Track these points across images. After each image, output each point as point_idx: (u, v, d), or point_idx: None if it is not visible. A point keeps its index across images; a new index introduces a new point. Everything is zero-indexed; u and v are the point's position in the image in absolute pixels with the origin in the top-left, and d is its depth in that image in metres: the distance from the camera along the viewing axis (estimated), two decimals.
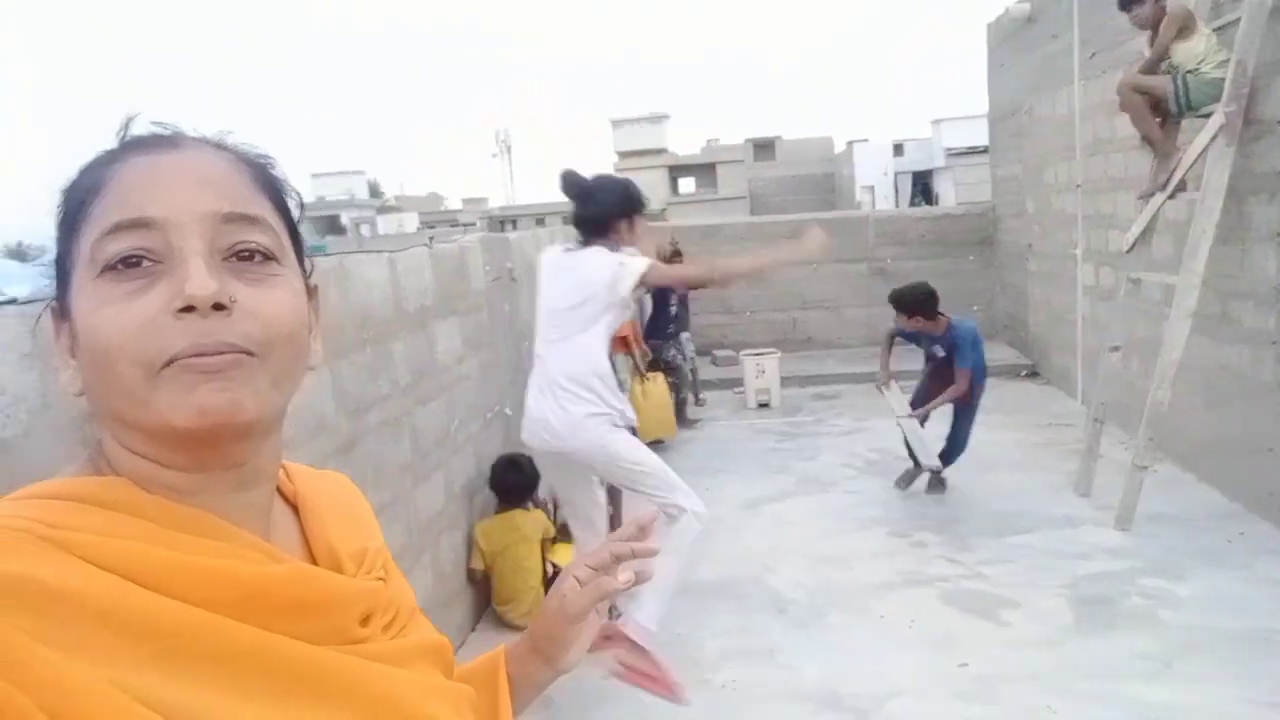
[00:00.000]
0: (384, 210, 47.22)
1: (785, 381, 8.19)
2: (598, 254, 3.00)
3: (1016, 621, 3.71)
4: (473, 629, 3.94)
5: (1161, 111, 4.61)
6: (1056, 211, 7.52)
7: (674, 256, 7.57)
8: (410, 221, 41.05)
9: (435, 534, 3.60)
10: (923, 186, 35.89)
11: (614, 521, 3.82)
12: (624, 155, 41.22)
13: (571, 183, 3.14)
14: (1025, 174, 8.43)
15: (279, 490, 0.78)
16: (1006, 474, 5.49)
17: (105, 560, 0.60)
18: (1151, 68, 4.57)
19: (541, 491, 4.17)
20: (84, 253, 0.64)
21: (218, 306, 0.63)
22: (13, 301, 1.52)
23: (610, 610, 3.74)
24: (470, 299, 4.38)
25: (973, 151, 28.11)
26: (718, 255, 9.75)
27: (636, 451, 3.08)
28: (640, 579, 0.91)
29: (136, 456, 0.66)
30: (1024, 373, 8.32)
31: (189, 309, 0.62)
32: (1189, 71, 4.42)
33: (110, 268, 0.63)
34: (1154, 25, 4.52)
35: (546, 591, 1.11)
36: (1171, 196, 4.70)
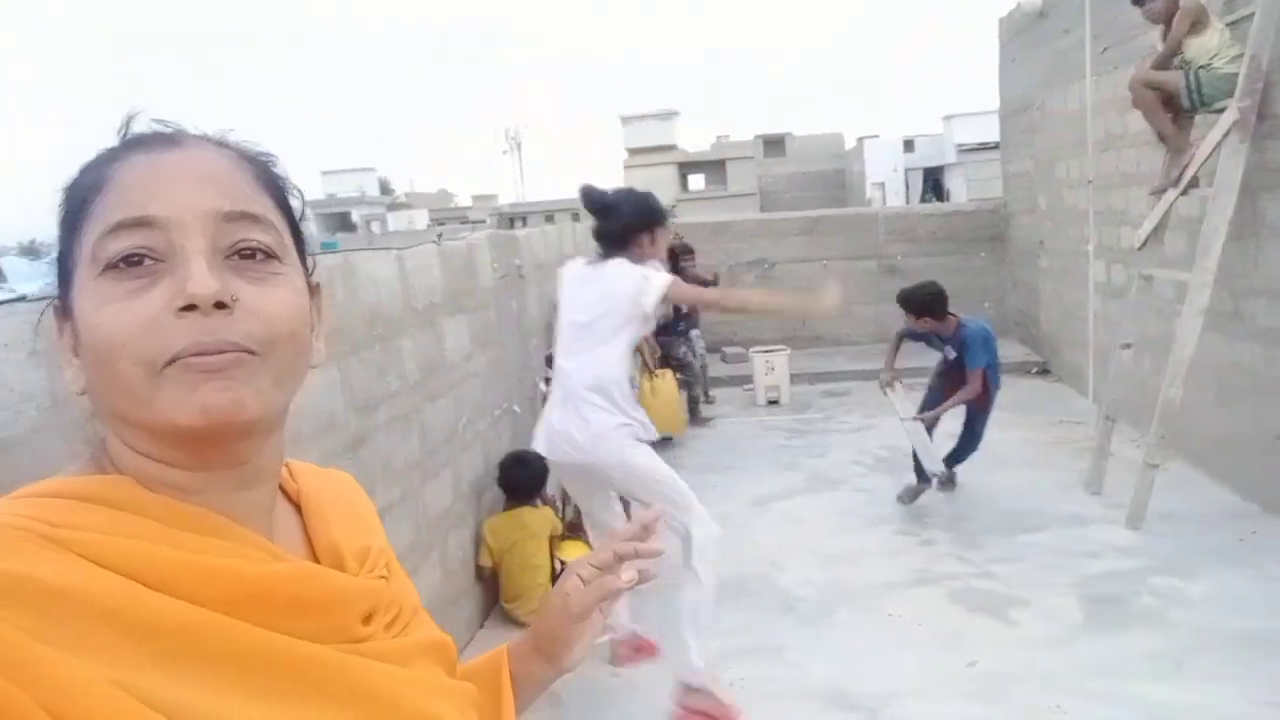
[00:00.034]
0: (394, 207, 47.30)
1: (795, 378, 8.18)
2: (621, 267, 2.98)
3: (1026, 620, 3.69)
4: (481, 626, 3.95)
5: (1174, 107, 4.57)
6: (1068, 208, 7.48)
7: (683, 255, 7.56)
8: (420, 219, 41.10)
9: (443, 531, 3.60)
10: (934, 183, 35.73)
11: None
12: (634, 152, 41.20)
13: (592, 197, 3.13)
14: (1037, 170, 8.39)
15: (282, 488, 0.79)
16: (1017, 472, 5.47)
17: (107, 559, 0.60)
18: (1164, 63, 4.53)
19: (549, 489, 4.18)
20: (86, 251, 0.64)
21: (219, 305, 0.63)
22: (22, 299, 1.53)
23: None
24: (478, 296, 4.38)
25: (984, 147, 27.97)
26: (730, 253, 9.77)
27: (655, 468, 3.03)
28: (643, 579, 0.91)
29: (139, 455, 0.66)
30: (1035, 370, 8.28)
31: (191, 308, 0.62)
32: (1202, 67, 4.38)
33: (112, 266, 0.63)
34: (1166, 19, 4.48)
35: None
36: (1184, 193, 4.67)
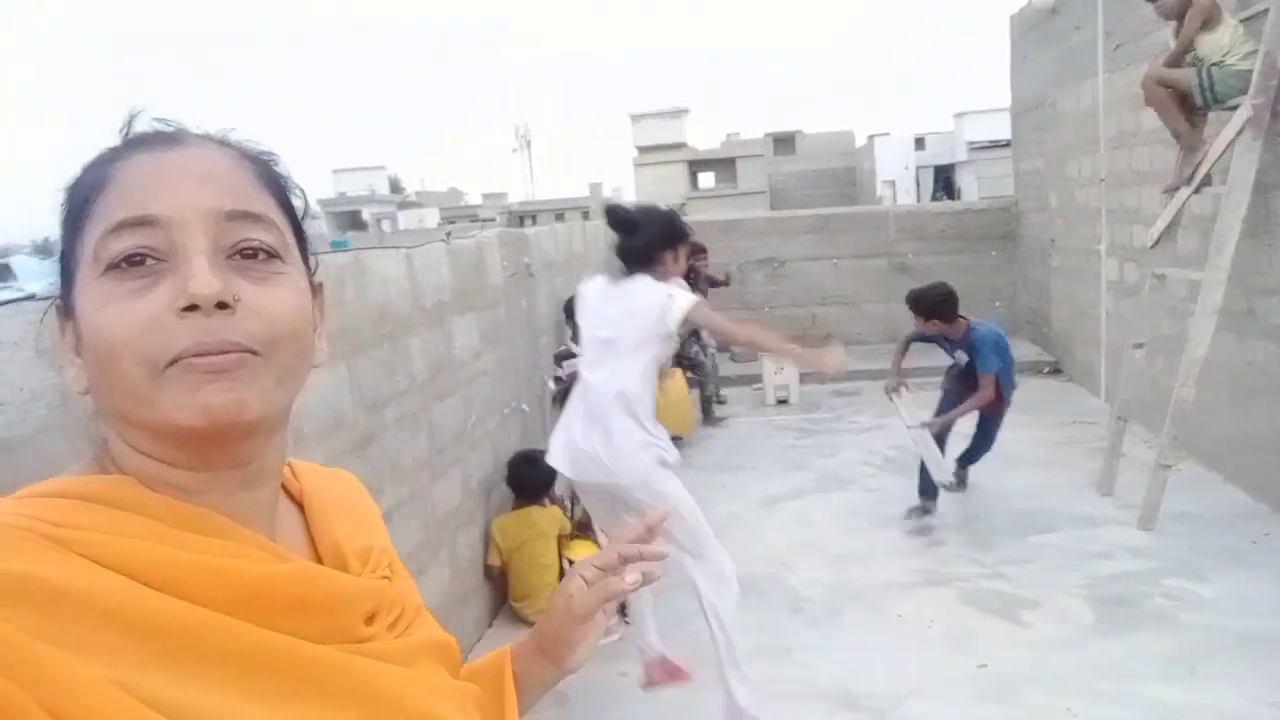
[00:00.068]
0: (405, 206, 47.42)
1: (804, 377, 8.15)
2: (645, 285, 2.95)
3: (1036, 622, 3.67)
4: (489, 624, 3.95)
5: (1188, 105, 4.54)
6: (1080, 206, 7.44)
7: (695, 254, 7.50)
8: (431, 217, 41.20)
9: (452, 530, 3.61)
10: (945, 181, 35.60)
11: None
12: (643, 150, 41.19)
13: (616, 215, 3.13)
14: (1048, 168, 8.34)
15: (285, 488, 0.78)
16: (1028, 472, 5.44)
17: (109, 559, 0.60)
18: (1176, 60, 4.50)
19: (558, 488, 4.18)
20: (88, 251, 0.64)
21: (221, 305, 0.63)
22: (30, 297, 1.54)
23: (621, 610, 3.75)
24: (488, 295, 4.39)
25: (995, 145, 27.85)
26: (740, 251, 9.75)
27: (680, 498, 2.96)
28: (647, 580, 0.91)
29: (141, 455, 0.66)
30: (1046, 370, 8.24)
31: (193, 308, 0.62)
32: (1214, 64, 4.34)
33: (114, 266, 0.63)
34: (1179, 16, 4.45)
35: None
36: (1197, 191, 4.63)
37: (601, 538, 3.73)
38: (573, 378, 4.94)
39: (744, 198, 36.40)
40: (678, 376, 6.74)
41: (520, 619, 3.90)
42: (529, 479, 4.03)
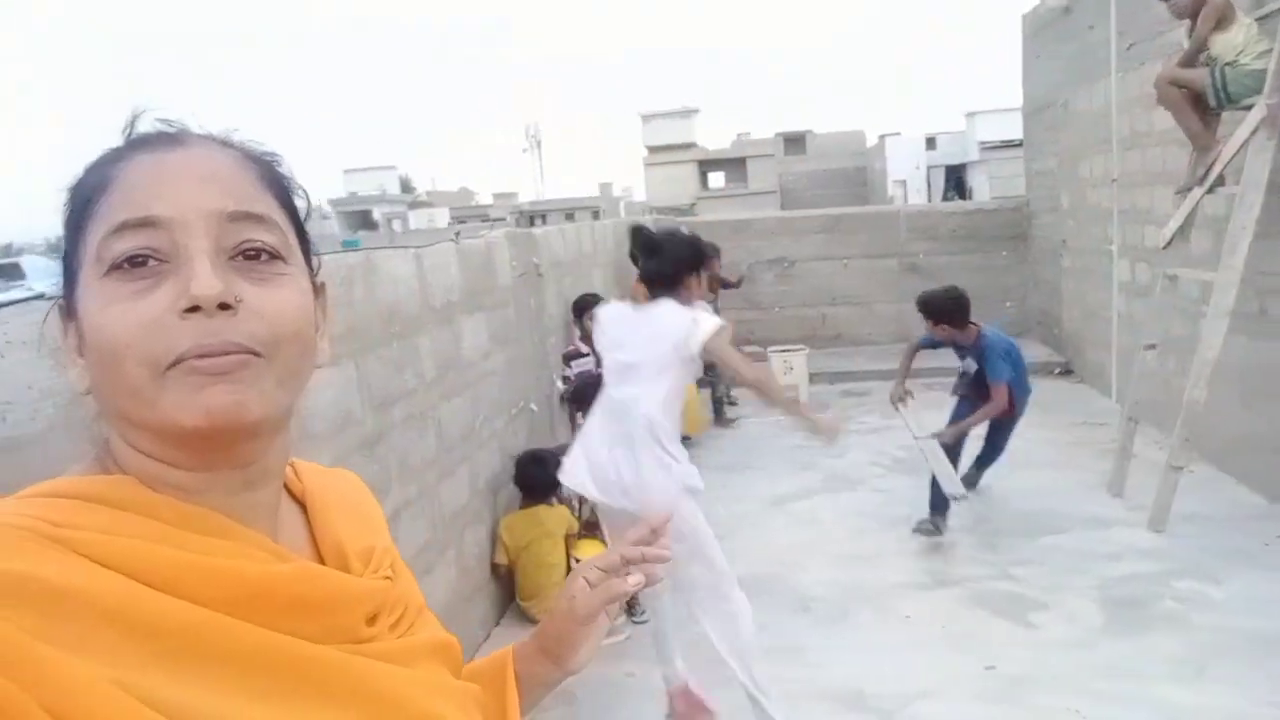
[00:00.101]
0: (415, 205, 47.55)
1: (814, 378, 8.14)
2: (669, 308, 2.94)
3: (1045, 623, 3.66)
4: (496, 624, 3.96)
5: (1201, 105, 4.51)
6: (1092, 206, 7.40)
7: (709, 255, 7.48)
8: (441, 217, 41.31)
9: (460, 529, 3.62)
10: (956, 181, 35.46)
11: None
12: (653, 150, 41.21)
13: (640, 238, 3.14)
14: (1060, 168, 8.30)
15: (287, 488, 0.79)
16: (1038, 473, 5.41)
17: (110, 559, 0.60)
18: (1190, 60, 4.47)
19: (565, 488, 4.18)
20: (90, 251, 0.65)
21: (223, 306, 0.63)
22: (40, 296, 1.55)
23: (629, 609, 3.75)
24: (497, 294, 4.39)
25: (1007, 145, 27.70)
26: (750, 251, 9.72)
27: (702, 531, 2.92)
28: (649, 581, 0.91)
29: (143, 455, 0.67)
30: (1057, 370, 8.20)
31: (195, 309, 0.62)
32: (1227, 63, 4.31)
33: (116, 267, 0.63)
34: (1192, 15, 4.41)
35: None
36: (1210, 191, 4.60)
37: (609, 537, 3.73)
38: (581, 377, 4.96)
39: (754, 197, 36.39)
40: None
41: (527, 618, 3.90)
42: (536, 478, 4.04)
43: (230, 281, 0.64)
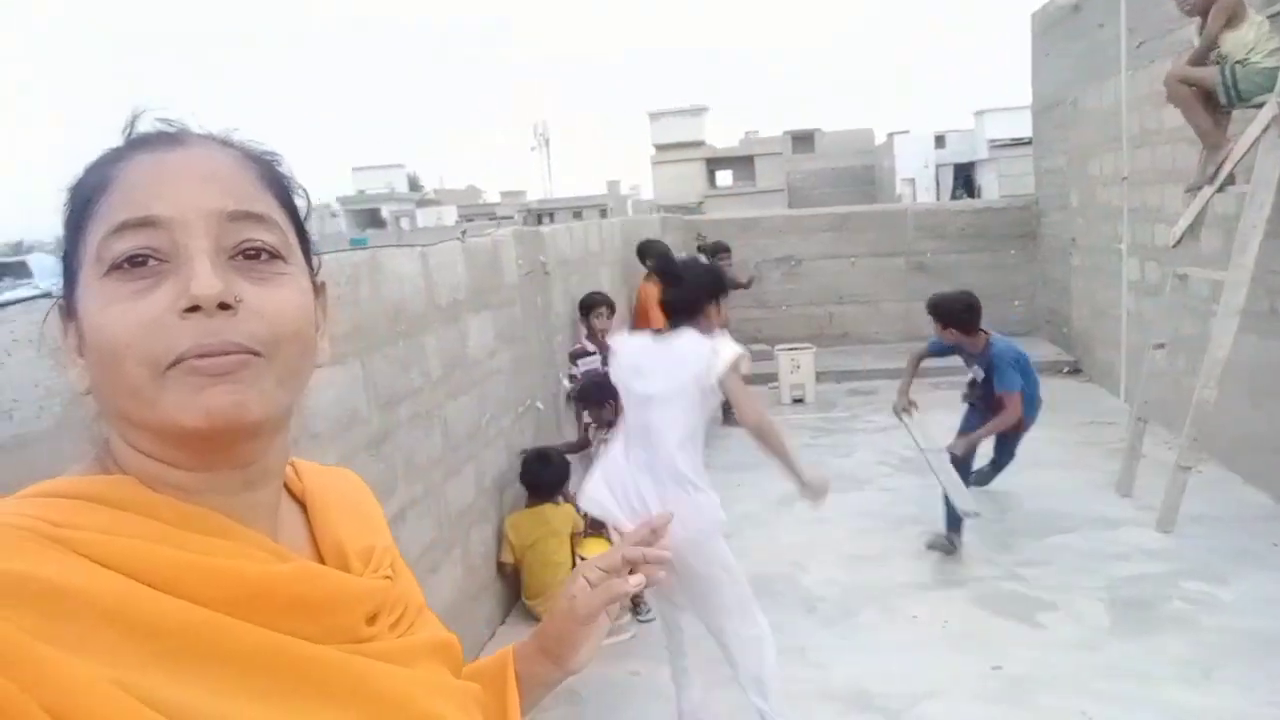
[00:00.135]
0: (423, 204, 47.65)
1: (820, 377, 8.13)
2: (690, 338, 2.93)
3: (1052, 624, 3.64)
4: (502, 622, 3.96)
5: (1212, 103, 4.48)
6: (1101, 204, 7.37)
7: (717, 253, 7.43)
8: (449, 215, 41.37)
9: (465, 527, 3.62)
10: (965, 179, 35.35)
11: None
12: (661, 148, 41.19)
13: (662, 265, 3.18)
14: (1070, 166, 8.26)
15: (287, 488, 0.79)
16: (1046, 473, 5.39)
17: (110, 559, 0.60)
18: (1200, 58, 4.44)
19: (571, 486, 4.18)
20: (90, 251, 0.65)
21: (223, 306, 0.63)
22: (46, 295, 1.55)
23: (634, 608, 3.75)
24: (503, 293, 4.39)
25: (1016, 143, 27.61)
26: (758, 249, 9.71)
27: (728, 561, 2.91)
28: (650, 582, 0.90)
29: (143, 455, 0.67)
30: (1066, 369, 8.17)
31: (195, 309, 0.62)
32: (1238, 62, 4.28)
33: (117, 266, 0.63)
34: (1203, 12, 4.39)
35: None
36: (1220, 190, 4.58)
37: (614, 536, 3.73)
38: (587, 376, 4.96)
39: (762, 195, 36.36)
40: None
41: (533, 616, 3.91)
42: (542, 477, 4.04)
43: (230, 281, 0.64)
